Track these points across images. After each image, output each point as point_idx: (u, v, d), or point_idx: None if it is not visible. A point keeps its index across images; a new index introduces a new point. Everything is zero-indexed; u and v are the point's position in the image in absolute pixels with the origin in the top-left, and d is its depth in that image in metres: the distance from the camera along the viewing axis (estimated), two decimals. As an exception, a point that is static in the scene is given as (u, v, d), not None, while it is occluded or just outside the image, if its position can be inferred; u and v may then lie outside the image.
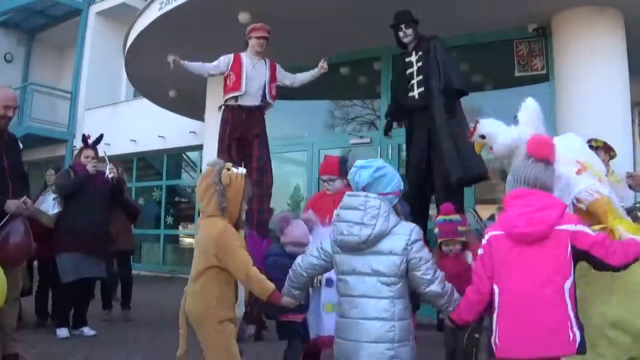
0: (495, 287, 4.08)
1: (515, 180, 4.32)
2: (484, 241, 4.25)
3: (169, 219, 21.87)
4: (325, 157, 6.99)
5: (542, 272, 3.92)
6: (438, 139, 8.00)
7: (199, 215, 5.06)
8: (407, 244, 4.22)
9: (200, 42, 11.15)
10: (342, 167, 6.54)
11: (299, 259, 4.70)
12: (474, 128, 5.73)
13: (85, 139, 9.21)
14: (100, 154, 9.18)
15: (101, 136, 9.30)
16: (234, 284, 4.84)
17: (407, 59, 8.59)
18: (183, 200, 22.95)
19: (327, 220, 6.01)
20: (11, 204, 6.39)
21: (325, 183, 6.67)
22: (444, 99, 8.10)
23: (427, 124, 8.18)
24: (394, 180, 4.41)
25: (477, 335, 5.88)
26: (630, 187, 6.75)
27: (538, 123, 5.57)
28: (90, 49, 24.39)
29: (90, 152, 9.05)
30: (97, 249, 8.73)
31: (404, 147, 10.13)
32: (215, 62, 8.66)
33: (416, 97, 8.32)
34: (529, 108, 5.69)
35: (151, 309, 11.14)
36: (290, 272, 4.69)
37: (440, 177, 8.05)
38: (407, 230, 4.30)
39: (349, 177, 4.52)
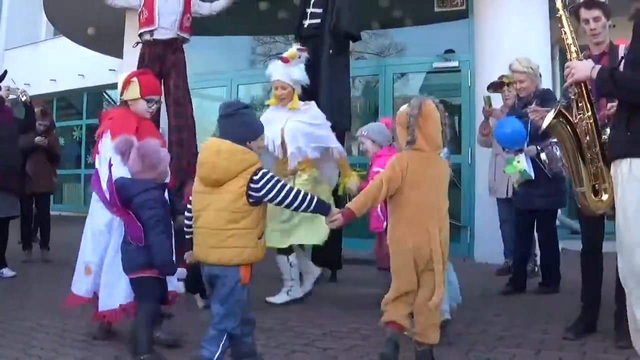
0: None
1: None
2: None
3: (90, 159, 21.52)
4: (145, 73, 6.05)
5: None
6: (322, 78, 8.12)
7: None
8: None
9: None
10: None
11: None
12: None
13: None
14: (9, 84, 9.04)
15: (5, 72, 9.08)
16: None
17: None
18: (104, 139, 22.53)
19: None
20: None
21: (153, 104, 5.83)
22: (332, 40, 8.16)
23: (314, 59, 8.23)
24: None
25: None
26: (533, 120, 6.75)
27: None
28: (10, -11, 23.73)
29: None
30: (11, 186, 8.58)
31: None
32: None
33: (305, 26, 8.33)
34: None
35: (71, 249, 10.96)
36: None
37: None
38: None
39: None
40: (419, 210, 4.54)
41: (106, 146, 5.31)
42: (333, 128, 7.27)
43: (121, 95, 5.52)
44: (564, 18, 4.99)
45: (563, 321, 5.82)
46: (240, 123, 4.43)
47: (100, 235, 5.41)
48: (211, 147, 4.31)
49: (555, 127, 4.84)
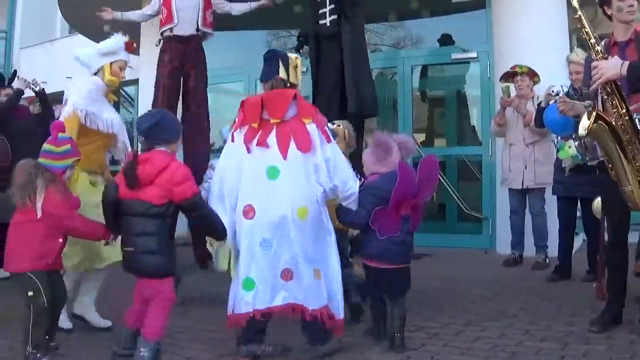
0: None
1: None
2: None
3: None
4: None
5: None
6: (345, 69, 8.08)
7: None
8: None
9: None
10: None
11: None
12: None
13: (1, 78, 9.22)
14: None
15: (14, 73, 9.20)
16: None
17: None
18: (121, 135, 22.53)
19: None
20: None
21: None
22: (351, 27, 8.15)
23: (338, 53, 8.18)
24: None
25: None
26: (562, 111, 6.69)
27: None
28: (24, -13, 23.68)
29: (8, 91, 8.92)
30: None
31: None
32: (148, 5, 8.55)
33: (328, 24, 8.26)
34: None
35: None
36: None
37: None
38: None
39: None
40: None
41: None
42: (362, 116, 7.27)
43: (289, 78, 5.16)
44: (583, 18, 4.92)
45: (588, 314, 5.79)
46: None
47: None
48: None
49: (596, 131, 4.79)
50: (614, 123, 4.78)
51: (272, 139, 4.84)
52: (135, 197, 4.62)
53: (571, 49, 9.54)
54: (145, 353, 4.51)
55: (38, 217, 4.64)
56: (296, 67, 5.15)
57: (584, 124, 4.80)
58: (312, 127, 4.89)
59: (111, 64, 6.20)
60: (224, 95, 13.76)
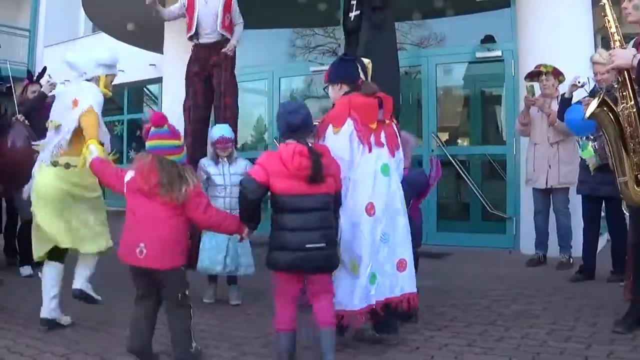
0: None
1: None
2: None
3: (132, 154, 21.58)
4: None
5: None
6: None
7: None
8: None
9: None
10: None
11: None
12: None
13: (30, 75, 9.24)
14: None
15: (44, 69, 9.18)
16: None
17: None
18: (145, 134, 22.65)
19: None
20: None
21: None
22: (369, 24, 8.10)
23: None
24: None
25: None
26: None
27: None
28: (48, -14, 23.75)
29: (36, 87, 8.95)
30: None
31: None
32: (177, 4, 8.64)
33: (352, 18, 8.27)
34: None
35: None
36: None
37: None
38: None
39: None
40: None
41: None
42: None
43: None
44: (607, 6, 4.92)
45: (612, 314, 5.76)
46: None
47: None
48: None
49: (599, 115, 4.81)
50: (619, 113, 4.79)
51: (383, 138, 5.08)
52: (310, 191, 4.43)
53: (596, 48, 9.49)
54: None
55: (179, 204, 4.43)
56: (367, 71, 5.38)
57: (591, 107, 4.83)
58: (395, 128, 5.26)
59: (106, 75, 6.36)
60: (248, 94, 13.77)
